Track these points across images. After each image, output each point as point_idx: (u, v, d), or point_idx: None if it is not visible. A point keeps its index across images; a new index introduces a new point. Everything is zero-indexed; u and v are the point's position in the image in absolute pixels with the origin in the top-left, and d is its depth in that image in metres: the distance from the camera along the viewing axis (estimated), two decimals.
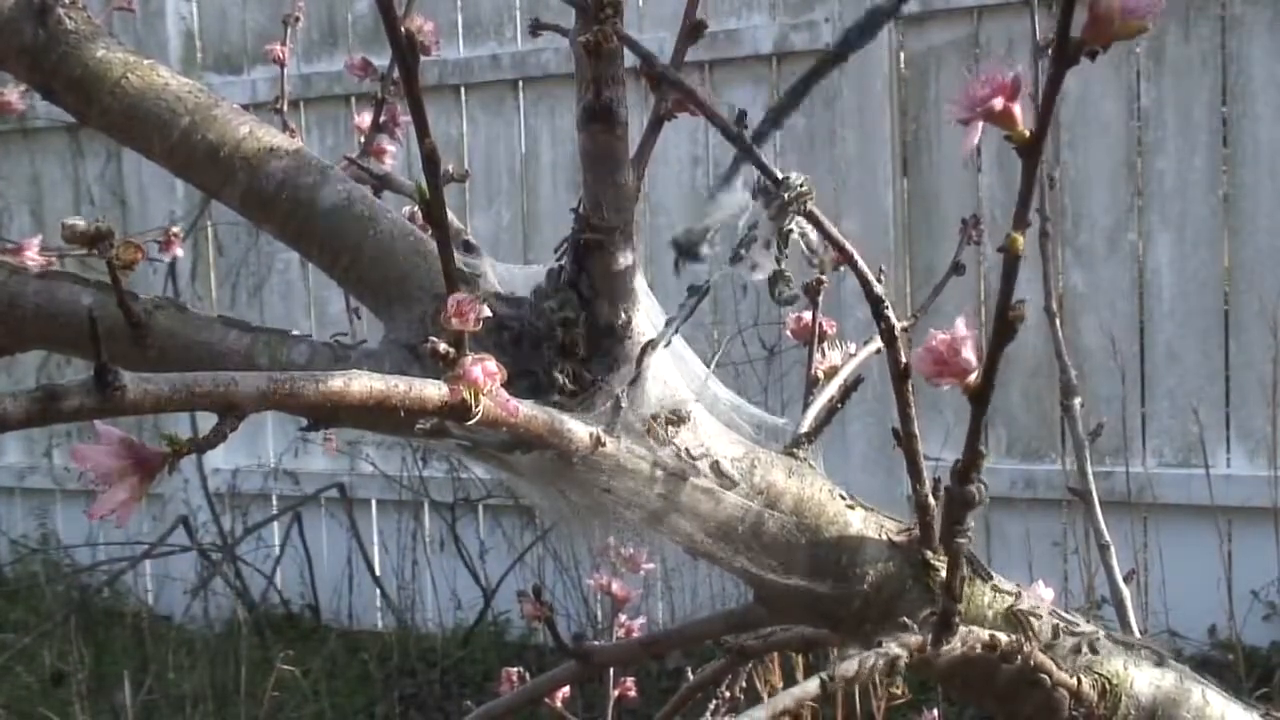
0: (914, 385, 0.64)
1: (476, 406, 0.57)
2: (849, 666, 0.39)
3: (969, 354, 0.38)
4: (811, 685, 0.40)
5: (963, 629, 0.48)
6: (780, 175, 0.51)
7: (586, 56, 0.71)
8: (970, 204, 3.35)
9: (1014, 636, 0.62)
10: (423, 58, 0.59)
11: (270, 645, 3.77)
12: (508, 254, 3.84)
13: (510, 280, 0.78)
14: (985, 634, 0.52)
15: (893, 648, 0.41)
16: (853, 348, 0.93)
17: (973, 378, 0.38)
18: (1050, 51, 0.32)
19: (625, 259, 0.76)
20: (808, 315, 0.94)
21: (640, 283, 0.77)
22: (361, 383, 0.56)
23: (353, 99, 3.91)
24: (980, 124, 0.37)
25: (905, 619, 0.49)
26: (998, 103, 0.35)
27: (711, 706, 1.10)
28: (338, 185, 0.81)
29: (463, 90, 3.93)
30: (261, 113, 0.97)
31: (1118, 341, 3.23)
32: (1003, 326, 0.36)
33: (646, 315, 0.78)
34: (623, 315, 0.75)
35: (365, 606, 4.12)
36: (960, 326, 0.38)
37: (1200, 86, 3.18)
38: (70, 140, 4.44)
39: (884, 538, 0.76)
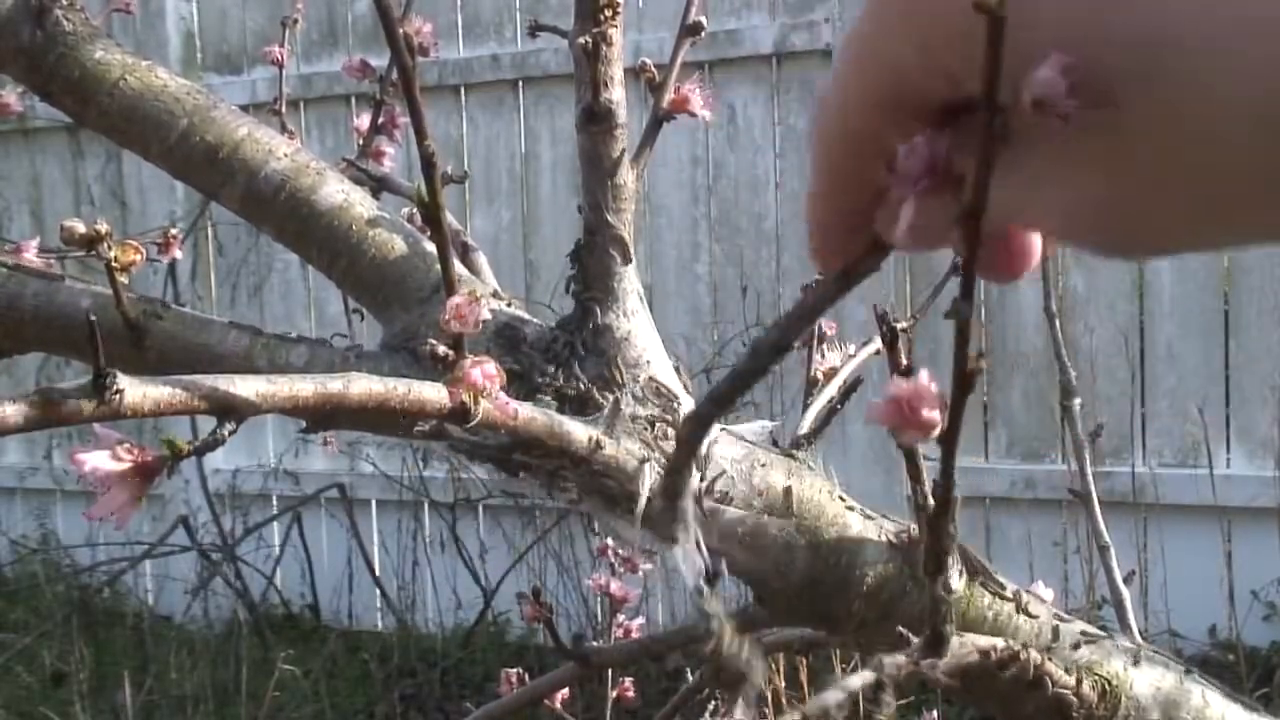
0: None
1: (476, 409, 0.57)
2: (834, 696, 0.38)
3: (931, 413, 0.37)
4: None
5: (956, 640, 0.48)
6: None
7: (585, 58, 0.71)
8: None
9: (1010, 642, 0.62)
10: (422, 58, 0.59)
11: (270, 645, 3.77)
12: (507, 254, 3.84)
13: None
14: (981, 641, 0.52)
15: (882, 668, 0.41)
16: (852, 349, 0.93)
17: (936, 431, 0.38)
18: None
19: (622, 260, 0.76)
20: None
21: (636, 286, 0.77)
22: (360, 385, 0.56)
23: (353, 99, 3.91)
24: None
25: (901, 629, 0.49)
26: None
27: (711, 708, 1.10)
28: (336, 186, 0.80)
29: (462, 90, 3.93)
30: (261, 113, 0.97)
31: (1118, 342, 3.23)
32: (963, 379, 0.36)
33: (645, 317, 0.77)
34: (619, 316, 0.75)
35: (365, 606, 4.12)
36: (922, 379, 0.38)
37: None
38: (70, 140, 4.44)
39: (883, 539, 0.76)
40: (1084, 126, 0.31)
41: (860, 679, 0.43)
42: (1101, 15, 0.30)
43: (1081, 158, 0.32)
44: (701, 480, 0.72)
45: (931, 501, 0.73)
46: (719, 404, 0.46)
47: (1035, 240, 0.38)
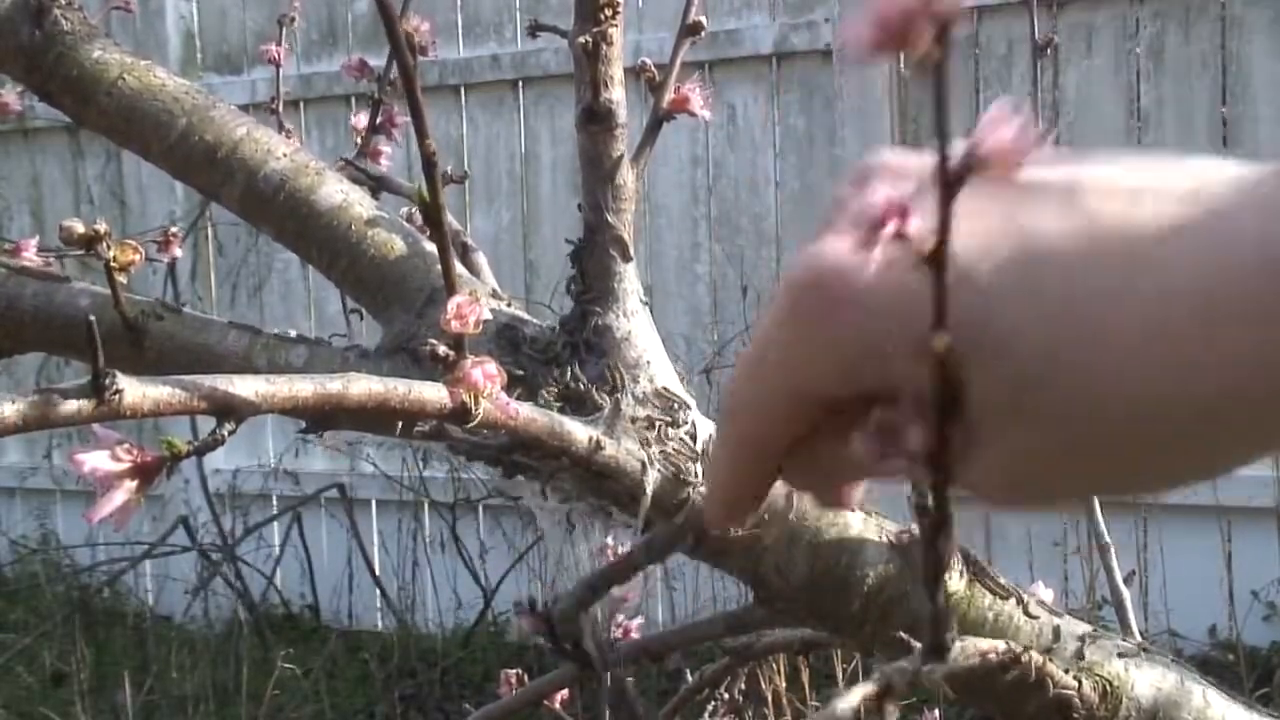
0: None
1: (476, 409, 0.57)
2: (838, 706, 0.38)
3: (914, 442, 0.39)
4: None
5: (958, 644, 0.48)
6: None
7: (585, 58, 0.71)
8: None
9: (1011, 644, 0.62)
10: (422, 58, 0.59)
11: (270, 645, 3.77)
12: (508, 254, 3.84)
13: None
14: (983, 644, 0.52)
15: (886, 676, 0.41)
16: None
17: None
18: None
19: (622, 260, 0.75)
20: None
21: (636, 286, 0.77)
22: (360, 385, 0.56)
23: (352, 99, 3.91)
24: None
25: (902, 634, 0.49)
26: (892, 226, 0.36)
27: (711, 708, 1.10)
28: (335, 186, 0.80)
29: (463, 90, 3.93)
30: (262, 113, 0.97)
31: None
32: (947, 404, 0.37)
33: (645, 317, 0.77)
34: (619, 317, 0.75)
35: (365, 606, 4.12)
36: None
37: (1200, 86, 3.18)
38: (70, 140, 4.44)
39: (884, 540, 0.76)
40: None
41: (863, 689, 0.43)
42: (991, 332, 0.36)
43: (993, 440, 0.37)
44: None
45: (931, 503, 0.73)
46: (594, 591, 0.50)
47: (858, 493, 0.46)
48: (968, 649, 0.51)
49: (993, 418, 0.37)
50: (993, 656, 0.55)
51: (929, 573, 0.40)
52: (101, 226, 0.55)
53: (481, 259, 0.89)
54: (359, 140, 0.99)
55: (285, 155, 0.80)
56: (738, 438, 0.43)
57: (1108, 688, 0.74)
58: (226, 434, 0.52)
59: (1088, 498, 0.41)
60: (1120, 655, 0.76)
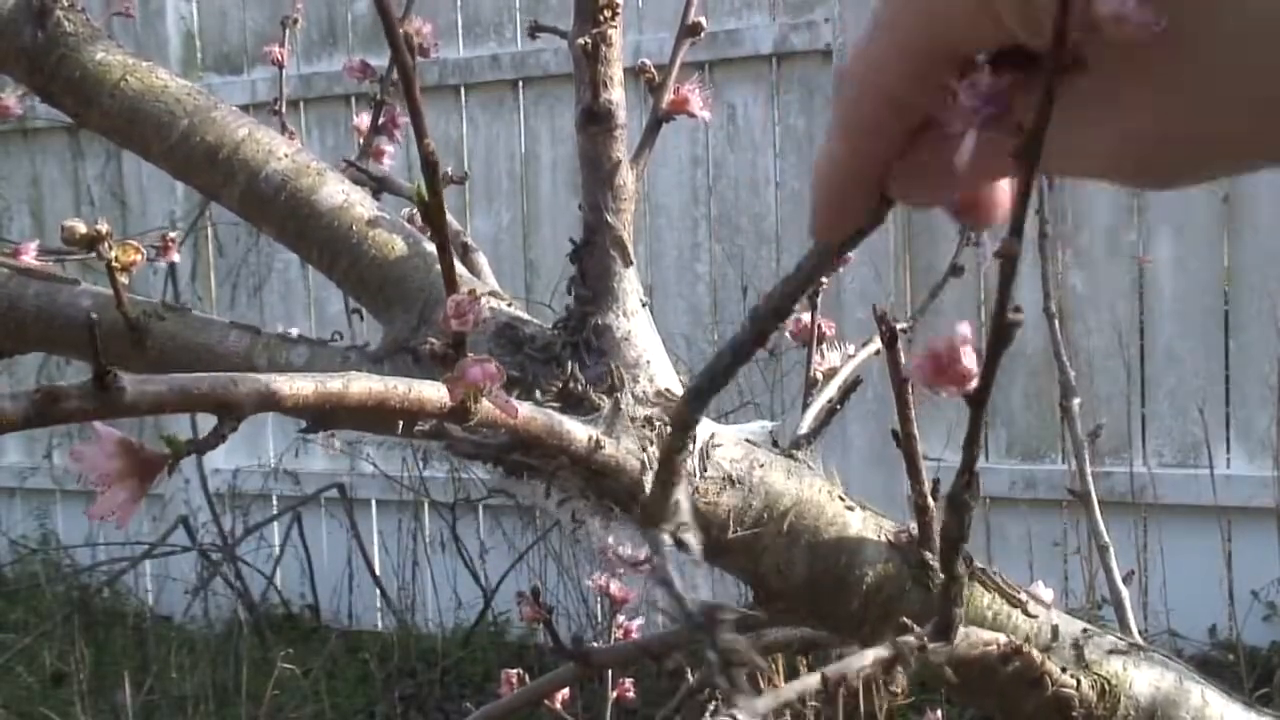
0: (914, 386, 0.64)
1: (475, 407, 0.57)
2: (850, 663, 0.39)
3: (969, 361, 0.38)
4: (812, 680, 0.40)
5: (962, 631, 0.48)
6: None
7: (584, 59, 0.71)
8: None
9: (1012, 638, 0.62)
10: (422, 58, 0.59)
11: (270, 645, 3.77)
12: (507, 254, 3.84)
13: None
14: (985, 635, 0.53)
15: (894, 647, 0.41)
16: (851, 349, 0.93)
17: (972, 385, 0.38)
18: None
19: (622, 261, 0.76)
20: (807, 316, 0.94)
21: (636, 287, 0.77)
22: (360, 384, 0.56)
23: (353, 99, 3.91)
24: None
25: (906, 619, 0.49)
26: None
27: (712, 708, 1.10)
28: (337, 187, 0.81)
29: (463, 90, 3.93)
30: (262, 113, 0.97)
31: (1118, 342, 3.23)
32: (1001, 330, 0.36)
33: (645, 318, 0.77)
34: (619, 317, 0.75)
35: (365, 606, 4.12)
36: (961, 331, 0.38)
37: None
38: (70, 140, 4.44)
39: (883, 539, 0.76)
40: (1156, 44, 0.32)
41: (875, 652, 0.43)
42: None
43: (1130, 97, 0.34)
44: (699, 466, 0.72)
45: (932, 502, 0.73)
46: (716, 377, 0.46)
47: (1005, 194, 0.41)
48: (973, 638, 0.51)
49: (1132, 65, 0.33)
50: (994, 648, 0.56)
51: (947, 528, 0.41)
52: (103, 227, 0.56)
53: (482, 259, 0.89)
54: (361, 141, 0.99)
55: (287, 156, 0.80)
56: (864, 83, 0.39)
57: (1106, 686, 0.74)
58: (227, 432, 0.52)
59: (1220, 172, 0.38)
60: (1118, 654, 0.76)
